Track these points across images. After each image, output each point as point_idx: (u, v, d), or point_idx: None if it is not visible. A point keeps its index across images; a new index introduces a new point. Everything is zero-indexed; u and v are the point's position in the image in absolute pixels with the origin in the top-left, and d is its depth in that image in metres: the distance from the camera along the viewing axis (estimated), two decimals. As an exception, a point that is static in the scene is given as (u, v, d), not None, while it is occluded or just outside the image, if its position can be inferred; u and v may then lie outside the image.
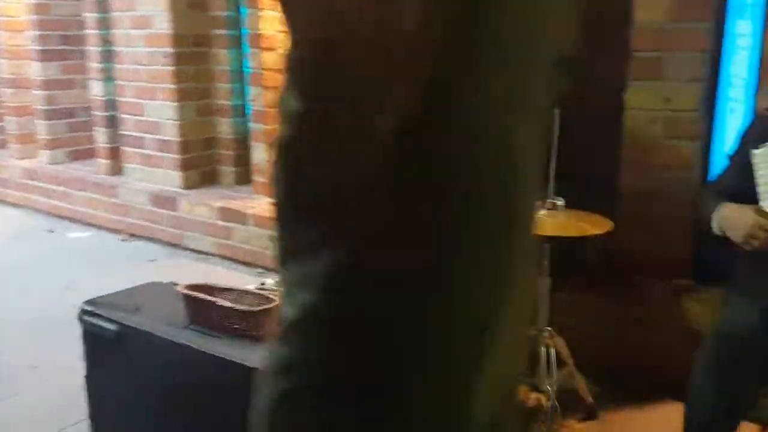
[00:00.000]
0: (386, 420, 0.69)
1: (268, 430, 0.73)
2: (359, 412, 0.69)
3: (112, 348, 2.01)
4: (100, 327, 2.02)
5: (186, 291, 1.97)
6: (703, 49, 2.66)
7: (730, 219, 1.92)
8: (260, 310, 1.88)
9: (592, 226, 2.20)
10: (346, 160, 0.66)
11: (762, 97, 2.52)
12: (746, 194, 1.93)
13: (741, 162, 2.00)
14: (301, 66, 0.67)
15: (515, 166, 0.69)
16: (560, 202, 2.27)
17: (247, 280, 3.43)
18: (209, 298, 1.93)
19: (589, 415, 2.49)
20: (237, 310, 1.88)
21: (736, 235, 1.89)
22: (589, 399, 2.48)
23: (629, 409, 2.58)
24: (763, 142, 1.90)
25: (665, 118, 2.76)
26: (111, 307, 2.06)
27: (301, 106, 0.66)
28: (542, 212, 2.29)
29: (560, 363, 2.37)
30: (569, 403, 2.41)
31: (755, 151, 1.90)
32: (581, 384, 2.48)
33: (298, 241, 0.69)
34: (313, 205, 0.68)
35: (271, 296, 1.97)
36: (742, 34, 2.64)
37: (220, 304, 1.92)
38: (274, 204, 0.70)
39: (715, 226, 1.95)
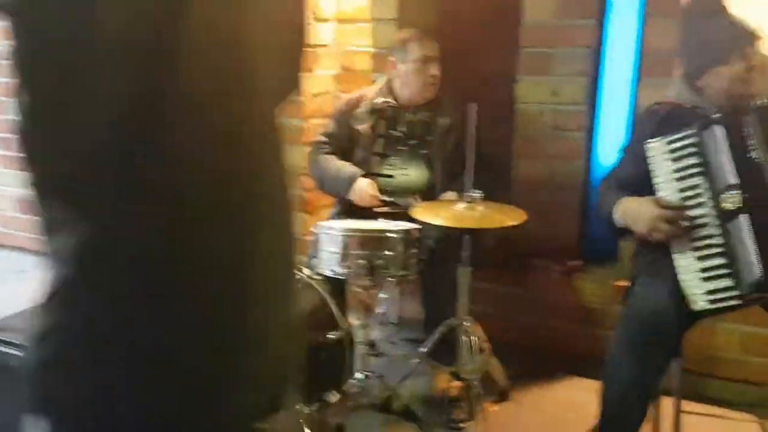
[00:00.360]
0: (152, 374, 0.80)
1: (40, 392, 0.83)
2: (123, 369, 0.79)
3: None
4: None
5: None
6: (588, 45, 2.84)
7: (632, 212, 2.01)
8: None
9: (509, 217, 2.28)
10: (72, 148, 0.75)
11: (644, 91, 2.73)
12: (642, 185, 2.07)
13: (635, 154, 2.12)
14: (22, 61, 0.75)
15: (229, 155, 0.81)
16: (478, 194, 2.34)
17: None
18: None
19: (503, 397, 2.60)
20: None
21: (639, 228, 1.99)
22: (504, 382, 2.59)
23: (539, 389, 2.72)
24: (658, 135, 2.06)
25: (554, 110, 2.92)
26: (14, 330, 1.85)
27: (29, 100, 0.75)
28: (462, 205, 2.35)
29: (479, 350, 2.45)
30: (484, 387, 2.50)
31: (650, 145, 2.04)
32: (496, 368, 2.58)
33: (51, 219, 0.79)
34: (56, 188, 0.78)
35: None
36: (623, 30, 2.84)
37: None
38: (30, 186, 0.79)
39: (618, 219, 2.05)
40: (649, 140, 2.03)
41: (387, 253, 2.26)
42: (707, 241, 1.93)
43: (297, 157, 3.27)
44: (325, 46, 3.37)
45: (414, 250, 2.33)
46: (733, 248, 1.89)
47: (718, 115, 1.93)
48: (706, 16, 2.09)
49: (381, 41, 3.11)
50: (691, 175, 1.96)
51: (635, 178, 2.10)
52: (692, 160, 1.96)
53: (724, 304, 1.91)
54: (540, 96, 2.93)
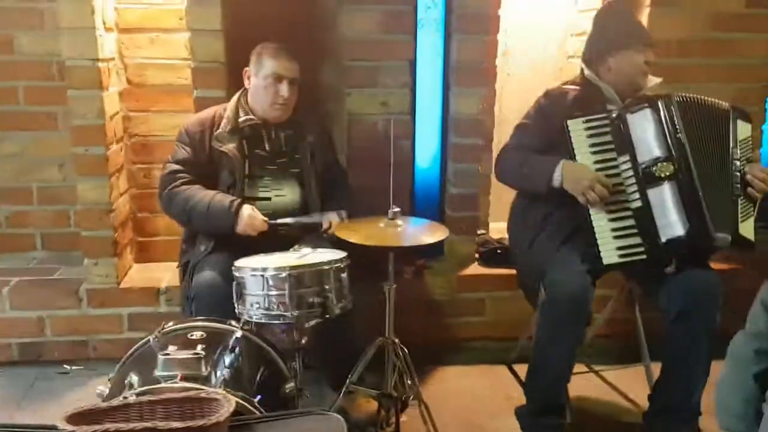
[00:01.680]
0: None
1: None
2: None
3: None
4: None
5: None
6: (409, 59, 3.03)
7: (575, 173, 2.33)
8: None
9: (430, 234, 2.36)
10: None
11: (460, 97, 3.05)
12: (549, 153, 2.41)
13: (542, 128, 2.47)
14: None
15: None
16: (397, 209, 2.37)
17: None
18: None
19: (405, 403, 2.66)
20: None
21: (577, 187, 2.31)
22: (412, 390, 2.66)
23: (433, 385, 2.88)
24: (575, 112, 2.38)
25: (384, 120, 3.04)
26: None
27: None
28: (382, 224, 2.36)
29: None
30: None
31: (569, 122, 2.36)
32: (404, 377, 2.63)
33: None
34: None
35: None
36: (432, 44, 3.10)
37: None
38: None
39: (557, 178, 2.35)
40: (568, 118, 2.37)
41: (331, 285, 2.15)
42: (622, 205, 2.35)
43: (104, 191, 2.81)
44: (111, 59, 2.90)
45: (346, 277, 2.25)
46: (651, 211, 2.32)
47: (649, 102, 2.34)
48: (618, 13, 2.55)
49: (201, 55, 2.80)
50: (606, 150, 2.37)
51: (545, 146, 2.45)
52: (607, 138, 2.37)
53: (631, 258, 2.34)
54: (371, 107, 3.03)
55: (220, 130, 2.54)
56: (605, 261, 2.35)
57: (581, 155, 2.37)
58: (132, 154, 3.14)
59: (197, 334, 1.93)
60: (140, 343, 1.97)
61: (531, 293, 2.54)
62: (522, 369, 2.67)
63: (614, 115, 2.36)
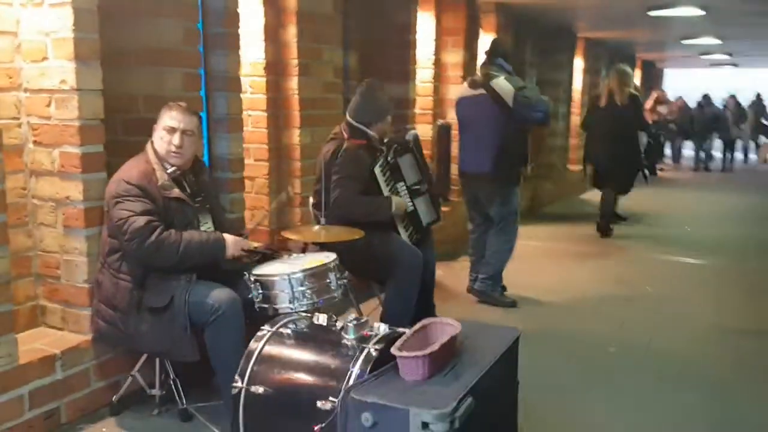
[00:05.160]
0: None
1: None
2: None
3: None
4: None
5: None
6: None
7: (400, 204, 3.72)
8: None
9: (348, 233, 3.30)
10: None
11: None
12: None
13: (358, 175, 3.62)
14: None
15: None
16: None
17: None
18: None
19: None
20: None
21: (400, 208, 3.73)
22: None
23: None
24: (371, 160, 3.63)
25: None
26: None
27: None
28: (318, 228, 3.18)
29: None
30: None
31: (377, 169, 3.65)
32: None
33: None
34: None
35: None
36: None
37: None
38: None
39: (394, 210, 3.65)
40: (373, 164, 3.66)
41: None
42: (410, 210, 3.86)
43: None
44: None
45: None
46: (419, 210, 3.88)
47: (405, 148, 3.80)
48: (375, 91, 3.79)
49: (87, 112, 2.85)
50: (391, 180, 3.77)
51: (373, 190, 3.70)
52: (389, 172, 3.75)
53: (415, 236, 3.87)
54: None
55: (160, 180, 2.83)
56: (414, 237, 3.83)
57: (382, 184, 3.73)
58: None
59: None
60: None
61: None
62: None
63: (390, 161, 3.78)
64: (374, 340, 2.38)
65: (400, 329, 2.46)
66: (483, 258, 4.89)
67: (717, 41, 10.12)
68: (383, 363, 2.24)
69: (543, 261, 6.20)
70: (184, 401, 3.00)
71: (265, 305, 2.81)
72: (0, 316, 2.63)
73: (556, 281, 5.53)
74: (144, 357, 3.06)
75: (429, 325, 2.36)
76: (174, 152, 2.91)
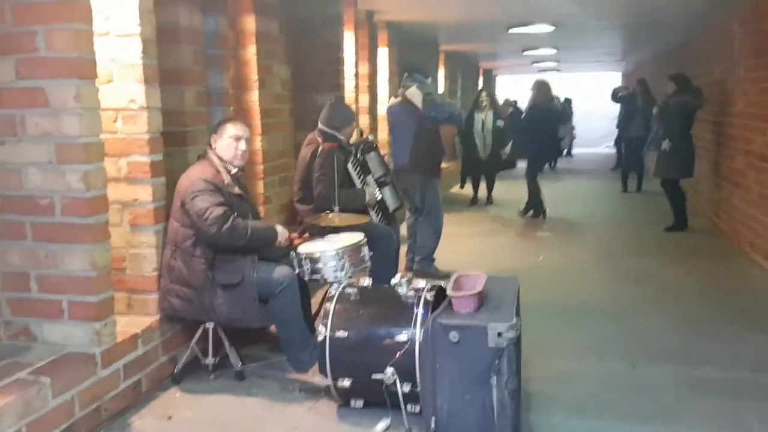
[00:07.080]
0: None
1: None
2: None
3: None
4: None
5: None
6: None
7: (370, 195, 4.51)
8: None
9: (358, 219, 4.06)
10: None
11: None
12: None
13: (336, 172, 4.38)
14: None
15: None
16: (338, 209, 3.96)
17: None
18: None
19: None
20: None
21: (371, 201, 4.51)
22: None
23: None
24: (345, 157, 4.42)
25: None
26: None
27: None
28: (335, 215, 3.92)
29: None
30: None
31: (349, 165, 4.44)
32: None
33: None
34: None
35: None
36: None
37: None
38: None
39: (367, 200, 4.44)
40: (346, 162, 4.48)
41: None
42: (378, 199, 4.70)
43: None
44: None
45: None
46: (386, 198, 4.75)
47: (370, 147, 4.62)
48: (341, 103, 4.62)
49: (153, 127, 3.37)
50: (361, 173, 4.61)
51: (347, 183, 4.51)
52: (359, 168, 4.59)
53: (385, 221, 4.75)
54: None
55: (225, 180, 3.45)
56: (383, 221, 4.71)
57: (355, 178, 4.58)
58: None
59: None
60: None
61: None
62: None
63: (359, 158, 4.63)
64: (426, 288, 3.21)
65: (437, 282, 3.30)
66: (416, 242, 5.83)
67: (553, 51, 11.85)
68: (434, 306, 3.07)
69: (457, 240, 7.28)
70: (240, 364, 3.61)
71: (316, 276, 3.52)
72: (105, 301, 3.11)
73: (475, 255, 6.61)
74: (200, 331, 3.62)
75: (459, 277, 3.22)
76: (240, 156, 3.55)
